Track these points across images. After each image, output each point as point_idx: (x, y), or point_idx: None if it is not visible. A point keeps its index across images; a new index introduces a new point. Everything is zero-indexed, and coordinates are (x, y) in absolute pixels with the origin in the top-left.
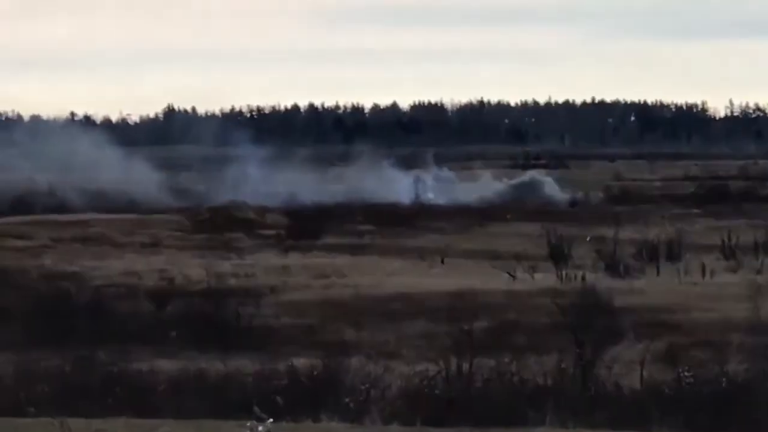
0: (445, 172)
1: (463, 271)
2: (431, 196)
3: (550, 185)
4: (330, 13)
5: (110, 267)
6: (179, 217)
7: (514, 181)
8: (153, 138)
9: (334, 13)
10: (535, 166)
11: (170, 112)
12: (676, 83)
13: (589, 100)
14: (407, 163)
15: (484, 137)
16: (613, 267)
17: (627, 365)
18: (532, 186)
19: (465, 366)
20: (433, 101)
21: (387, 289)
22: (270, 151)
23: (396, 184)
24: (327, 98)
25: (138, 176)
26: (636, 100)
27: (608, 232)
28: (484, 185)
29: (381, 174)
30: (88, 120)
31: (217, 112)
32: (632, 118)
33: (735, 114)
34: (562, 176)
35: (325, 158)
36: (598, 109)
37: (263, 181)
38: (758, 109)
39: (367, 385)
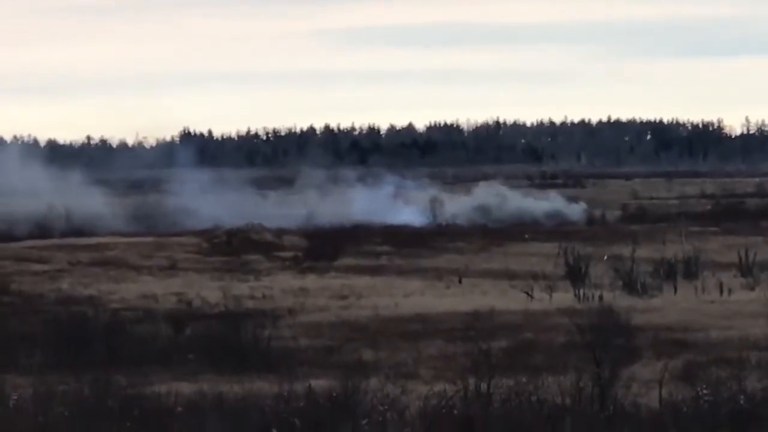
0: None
1: (481, 290)
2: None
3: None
4: (345, 34)
5: (128, 290)
6: (196, 240)
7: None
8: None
9: (350, 34)
10: (552, 186)
11: (186, 135)
12: (692, 101)
13: (605, 119)
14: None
15: (500, 157)
16: (630, 285)
17: (645, 384)
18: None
19: (483, 386)
20: (449, 122)
21: (405, 309)
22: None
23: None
24: (343, 119)
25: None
26: (652, 118)
27: (625, 250)
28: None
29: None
30: (104, 144)
31: (234, 135)
32: (648, 137)
33: (751, 131)
34: (579, 195)
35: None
36: (614, 127)
37: (279, 204)
38: None
39: (385, 406)
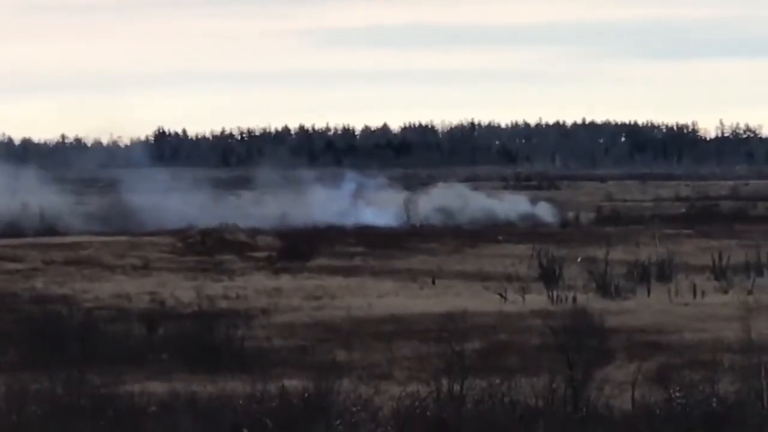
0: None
1: (454, 292)
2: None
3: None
4: (320, 34)
5: (101, 289)
6: (170, 240)
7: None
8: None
9: (325, 34)
10: (526, 188)
11: (161, 134)
12: (667, 104)
13: (579, 121)
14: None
15: (474, 159)
16: (604, 288)
17: (618, 386)
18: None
19: (456, 387)
20: (423, 123)
21: (378, 310)
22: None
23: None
24: (317, 120)
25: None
26: (627, 120)
27: (599, 252)
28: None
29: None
30: (78, 142)
31: (208, 134)
32: (623, 139)
33: (726, 134)
34: (554, 197)
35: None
36: (588, 129)
37: (252, 204)
38: (748, 129)
39: (358, 407)
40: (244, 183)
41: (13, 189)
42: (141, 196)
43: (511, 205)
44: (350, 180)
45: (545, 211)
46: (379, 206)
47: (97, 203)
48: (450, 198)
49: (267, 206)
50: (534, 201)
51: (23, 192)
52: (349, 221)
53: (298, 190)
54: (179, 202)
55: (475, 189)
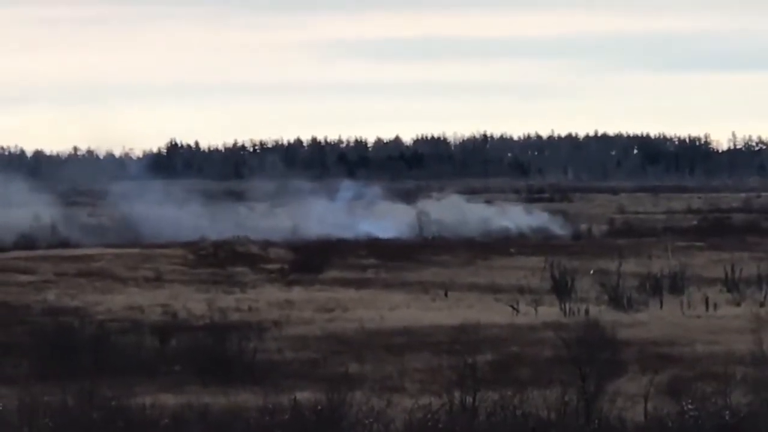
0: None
1: (467, 304)
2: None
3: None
4: (333, 47)
5: (113, 301)
6: (182, 252)
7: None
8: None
9: (337, 47)
10: (539, 200)
11: (173, 147)
12: (679, 116)
13: (592, 134)
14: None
15: (487, 171)
16: (616, 300)
17: (630, 398)
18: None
19: (468, 400)
20: (436, 135)
21: (390, 322)
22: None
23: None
24: (330, 132)
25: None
26: (639, 133)
27: (611, 265)
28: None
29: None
30: (91, 154)
31: (220, 146)
32: (635, 151)
33: (738, 147)
34: (565, 209)
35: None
36: (601, 142)
37: (265, 216)
38: (761, 141)
39: (370, 420)
40: (237, 195)
41: (26, 201)
42: (152, 208)
43: (511, 216)
44: (346, 189)
45: (543, 221)
46: (378, 217)
47: (109, 215)
48: (446, 209)
49: (275, 219)
50: (530, 211)
51: (36, 204)
52: (346, 233)
53: (292, 202)
54: (188, 215)
55: (470, 200)
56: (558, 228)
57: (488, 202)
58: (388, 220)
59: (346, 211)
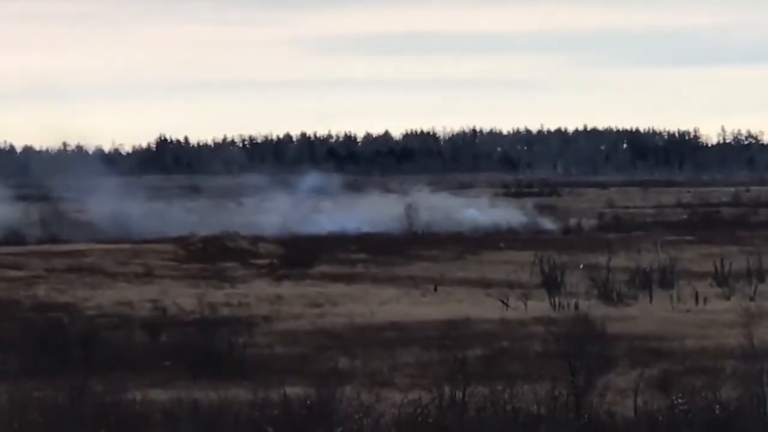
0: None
1: (456, 299)
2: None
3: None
4: (322, 42)
5: (103, 297)
6: (172, 247)
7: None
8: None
9: (326, 42)
10: (528, 194)
11: (162, 142)
12: (668, 110)
13: (581, 128)
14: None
15: (476, 166)
16: (606, 294)
17: (620, 393)
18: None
19: (458, 394)
20: (425, 130)
21: (380, 317)
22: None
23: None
24: (319, 127)
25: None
26: (628, 127)
27: (601, 259)
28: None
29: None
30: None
31: (210, 141)
32: (624, 146)
33: (727, 141)
34: (554, 204)
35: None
36: (590, 136)
37: (255, 211)
38: (750, 135)
39: (360, 414)
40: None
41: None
42: (141, 203)
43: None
44: (309, 181)
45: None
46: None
47: (98, 211)
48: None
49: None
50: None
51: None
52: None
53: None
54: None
55: (433, 193)
56: (547, 223)
57: (476, 196)
58: (351, 213)
59: (305, 206)
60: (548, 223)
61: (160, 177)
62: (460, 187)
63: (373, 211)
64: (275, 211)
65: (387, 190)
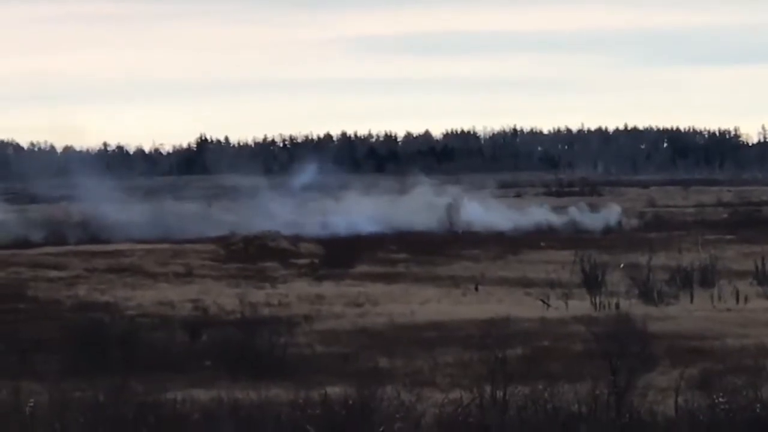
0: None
1: (497, 298)
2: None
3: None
4: (363, 42)
5: (144, 297)
6: (213, 247)
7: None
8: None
9: (367, 42)
10: (569, 194)
11: (203, 142)
12: (709, 109)
13: (621, 127)
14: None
15: (517, 165)
16: (646, 293)
17: (661, 392)
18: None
19: (499, 394)
20: (465, 129)
21: (421, 316)
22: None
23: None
24: (360, 127)
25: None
26: (669, 126)
27: (642, 258)
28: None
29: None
30: (120, 150)
31: (250, 141)
32: (665, 145)
33: None
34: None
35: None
36: (630, 135)
37: (295, 210)
38: None
39: (401, 414)
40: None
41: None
42: (183, 203)
43: (542, 210)
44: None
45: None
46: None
47: (140, 211)
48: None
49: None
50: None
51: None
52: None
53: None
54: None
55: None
56: (588, 222)
57: (518, 195)
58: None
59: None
60: (588, 222)
61: (201, 177)
62: (501, 187)
63: (413, 210)
64: (314, 211)
65: (428, 189)
